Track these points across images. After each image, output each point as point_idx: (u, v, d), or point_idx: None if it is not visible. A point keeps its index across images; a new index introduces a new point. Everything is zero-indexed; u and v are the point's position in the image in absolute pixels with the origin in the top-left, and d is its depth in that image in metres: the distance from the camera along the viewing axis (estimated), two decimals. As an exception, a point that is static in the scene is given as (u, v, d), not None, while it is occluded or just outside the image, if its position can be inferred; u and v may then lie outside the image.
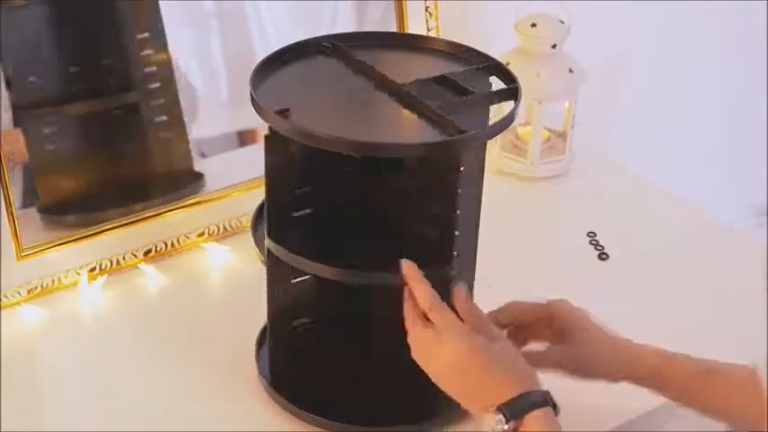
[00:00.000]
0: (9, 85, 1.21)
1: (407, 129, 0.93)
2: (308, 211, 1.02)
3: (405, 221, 1.04)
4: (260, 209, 1.07)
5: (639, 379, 1.02)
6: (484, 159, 0.96)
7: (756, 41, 1.97)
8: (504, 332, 0.99)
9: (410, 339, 0.95)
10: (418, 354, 0.94)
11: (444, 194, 0.97)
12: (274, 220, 0.99)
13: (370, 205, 1.06)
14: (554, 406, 0.90)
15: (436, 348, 0.93)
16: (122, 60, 1.30)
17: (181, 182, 1.35)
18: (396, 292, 0.96)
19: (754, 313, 1.19)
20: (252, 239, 1.04)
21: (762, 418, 0.94)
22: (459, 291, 0.96)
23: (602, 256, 1.33)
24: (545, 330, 1.03)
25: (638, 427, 1.10)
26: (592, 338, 1.02)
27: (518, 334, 1.03)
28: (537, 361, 0.99)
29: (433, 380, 0.93)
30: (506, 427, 0.88)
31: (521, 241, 1.35)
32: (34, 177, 1.26)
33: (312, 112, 0.94)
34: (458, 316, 0.94)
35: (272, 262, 1.01)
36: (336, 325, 1.12)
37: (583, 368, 1.02)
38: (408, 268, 0.95)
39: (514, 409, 0.88)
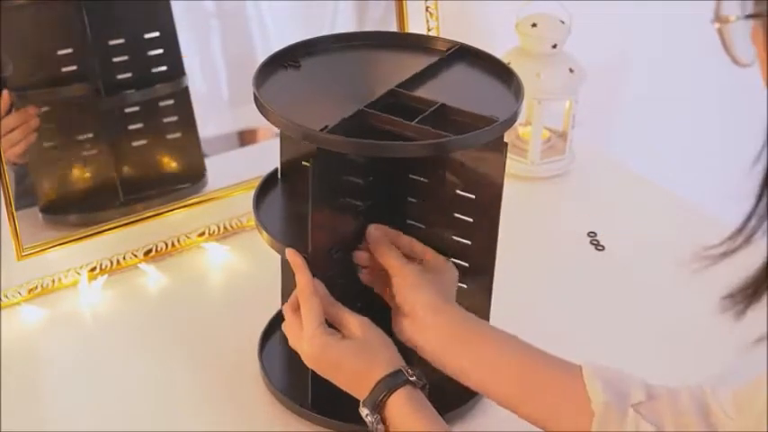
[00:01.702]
0: (10, 84, 1.21)
1: (411, 128, 0.93)
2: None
3: (429, 223, 1.04)
4: (262, 185, 1.07)
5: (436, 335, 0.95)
6: (505, 161, 0.96)
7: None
8: (360, 322, 0.95)
9: (283, 327, 0.98)
10: (291, 344, 0.97)
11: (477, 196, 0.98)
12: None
13: (396, 207, 1.06)
14: (417, 382, 0.90)
15: (298, 344, 0.96)
16: (131, 60, 1.29)
17: (182, 181, 1.35)
18: None
19: (756, 313, 1.19)
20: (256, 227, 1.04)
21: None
22: (302, 280, 0.95)
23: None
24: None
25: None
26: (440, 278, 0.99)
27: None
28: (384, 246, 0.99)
29: None
30: (373, 420, 0.90)
31: (521, 241, 1.34)
32: (33, 177, 1.26)
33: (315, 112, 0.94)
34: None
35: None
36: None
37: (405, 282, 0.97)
38: (293, 256, 0.96)
39: (374, 401, 0.90)
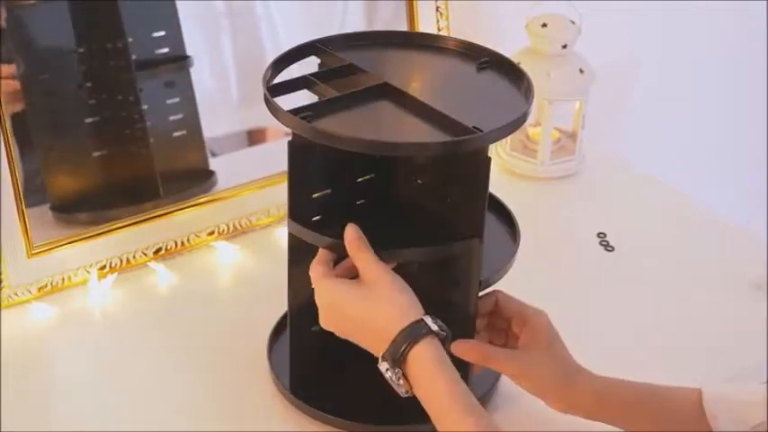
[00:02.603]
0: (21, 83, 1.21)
1: (421, 128, 0.93)
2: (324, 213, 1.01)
3: (422, 222, 1.04)
4: None
5: (579, 403, 0.96)
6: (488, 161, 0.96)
7: None
8: (371, 266, 0.89)
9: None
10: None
11: (465, 192, 0.97)
12: (297, 220, 0.99)
13: (386, 206, 1.06)
14: (440, 333, 0.85)
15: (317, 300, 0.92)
16: (137, 58, 1.30)
17: (191, 181, 1.35)
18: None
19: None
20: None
21: None
22: (350, 235, 0.91)
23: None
24: (514, 330, 0.99)
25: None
26: (553, 357, 0.97)
27: (496, 322, 1.01)
28: (494, 358, 0.96)
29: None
30: (393, 375, 0.85)
31: (530, 242, 1.34)
32: (44, 176, 1.26)
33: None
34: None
35: (293, 261, 1.01)
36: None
37: (532, 382, 0.97)
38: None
39: (394, 355, 0.84)
